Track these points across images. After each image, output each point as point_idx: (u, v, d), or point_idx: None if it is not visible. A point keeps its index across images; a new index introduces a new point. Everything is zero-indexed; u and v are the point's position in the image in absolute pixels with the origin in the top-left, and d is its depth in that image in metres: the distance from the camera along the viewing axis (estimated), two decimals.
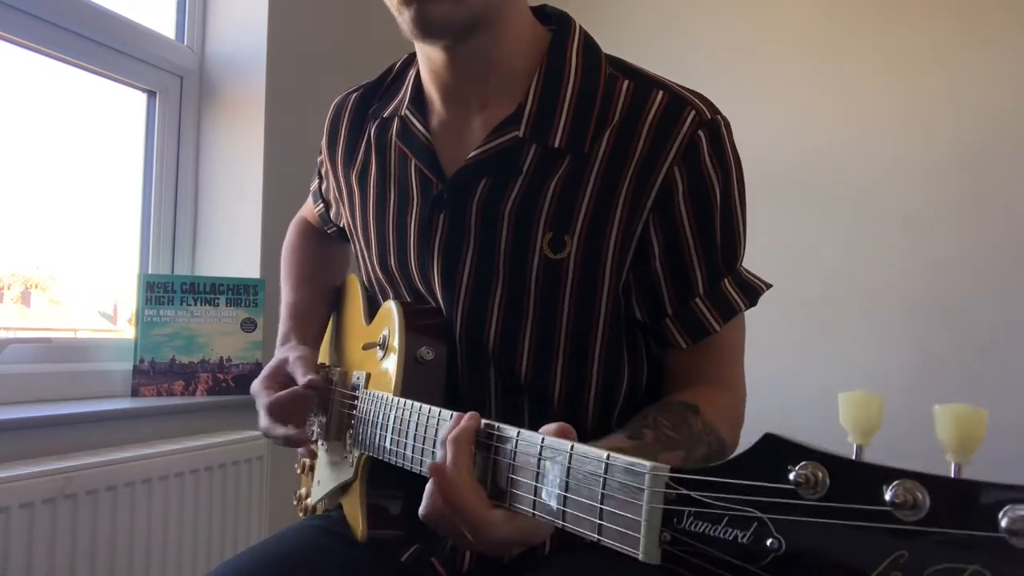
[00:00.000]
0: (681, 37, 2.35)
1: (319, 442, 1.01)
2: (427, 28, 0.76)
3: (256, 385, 0.95)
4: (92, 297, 1.85)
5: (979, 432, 0.37)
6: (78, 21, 1.55)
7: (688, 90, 0.82)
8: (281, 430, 0.90)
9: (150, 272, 1.74)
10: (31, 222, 1.61)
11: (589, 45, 0.85)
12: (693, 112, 0.78)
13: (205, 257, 1.82)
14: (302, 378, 0.90)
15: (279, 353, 0.98)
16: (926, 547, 0.36)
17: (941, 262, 2.03)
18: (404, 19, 0.77)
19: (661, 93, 0.80)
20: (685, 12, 2.36)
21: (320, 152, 1.06)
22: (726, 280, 0.82)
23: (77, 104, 1.70)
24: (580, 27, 0.87)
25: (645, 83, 0.82)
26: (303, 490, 1.10)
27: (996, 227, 1.99)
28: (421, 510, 0.64)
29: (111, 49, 1.63)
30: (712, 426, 0.78)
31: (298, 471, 1.12)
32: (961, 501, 0.36)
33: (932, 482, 0.37)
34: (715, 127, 0.79)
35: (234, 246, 1.79)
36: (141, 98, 1.77)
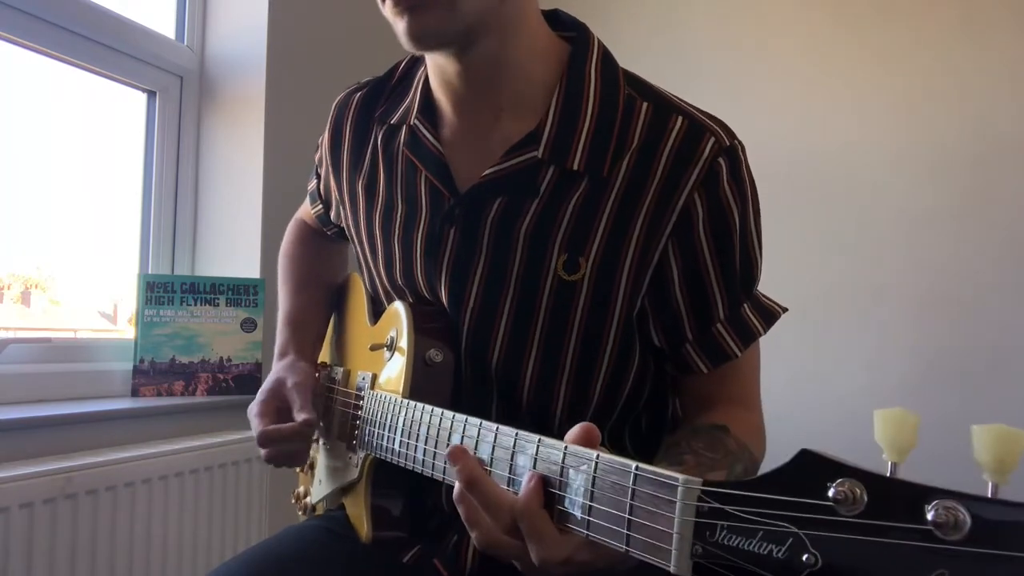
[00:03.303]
0: (683, 37, 2.35)
1: (320, 441, 1.01)
2: (420, 39, 0.75)
3: (252, 409, 0.93)
4: (92, 297, 1.85)
5: (1017, 452, 0.37)
6: (78, 21, 1.55)
7: (705, 114, 0.82)
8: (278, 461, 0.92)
9: (150, 272, 1.74)
10: (31, 222, 1.61)
11: (607, 60, 0.84)
12: (712, 139, 0.79)
13: (205, 257, 1.82)
14: (298, 413, 0.89)
15: (276, 370, 0.97)
16: (967, 566, 0.36)
17: (946, 260, 2.03)
18: (399, 31, 0.76)
19: (680, 119, 0.80)
20: (687, 11, 2.36)
21: (318, 150, 1.04)
22: (745, 305, 0.82)
23: (77, 104, 1.70)
24: (598, 40, 0.85)
25: (663, 107, 0.81)
26: (301, 488, 1.10)
27: (1001, 225, 1.99)
28: (475, 535, 0.61)
29: (111, 49, 1.63)
30: (744, 443, 0.77)
31: (296, 469, 1.12)
32: (1002, 518, 0.36)
33: (973, 503, 0.37)
34: (733, 153, 0.79)
35: (234, 246, 1.79)
36: (141, 98, 1.77)
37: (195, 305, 1.62)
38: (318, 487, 1.00)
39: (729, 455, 0.75)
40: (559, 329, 0.81)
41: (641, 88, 0.83)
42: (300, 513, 1.08)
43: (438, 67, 0.83)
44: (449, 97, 0.85)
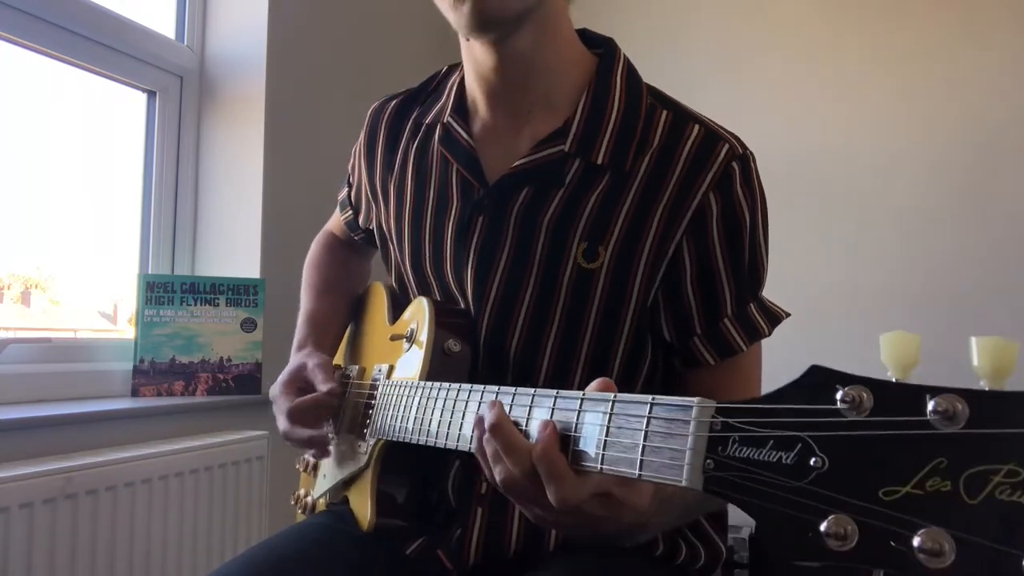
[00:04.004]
0: (685, 37, 2.35)
1: (329, 436, 1.02)
2: (485, 20, 0.78)
3: (275, 389, 0.96)
4: (92, 297, 1.85)
5: (1011, 361, 0.40)
6: (78, 21, 1.55)
7: (720, 126, 0.87)
8: (305, 432, 0.92)
9: (150, 272, 1.74)
10: (31, 222, 1.61)
11: (632, 72, 0.90)
12: (727, 146, 0.84)
13: (205, 257, 1.82)
14: (322, 385, 0.92)
15: (296, 358, 0.99)
16: (964, 452, 0.39)
17: (942, 260, 2.03)
18: (461, 14, 0.78)
19: (697, 127, 0.85)
20: (687, 13, 2.36)
21: (351, 158, 1.08)
22: (752, 304, 0.86)
23: (77, 104, 1.70)
24: (624, 54, 0.91)
25: (682, 116, 0.87)
26: (302, 490, 1.10)
27: (997, 225, 1.99)
28: (498, 476, 0.63)
29: (111, 49, 1.63)
30: None
31: (299, 469, 1.12)
32: (997, 408, 0.38)
33: (971, 394, 0.39)
34: (746, 161, 0.84)
35: (234, 246, 1.79)
36: (141, 98, 1.77)
37: (195, 305, 1.62)
38: (322, 481, 1.00)
39: None
40: (577, 316, 0.85)
41: (662, 99, 0.89)
42: (300, 512, 1.08)
43: (476, 61, 0.87)
44: (484, 91, 0.89)
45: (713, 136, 0.84)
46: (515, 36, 0.82)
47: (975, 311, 1.99)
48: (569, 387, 0.83)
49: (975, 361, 0.40)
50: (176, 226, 1.81)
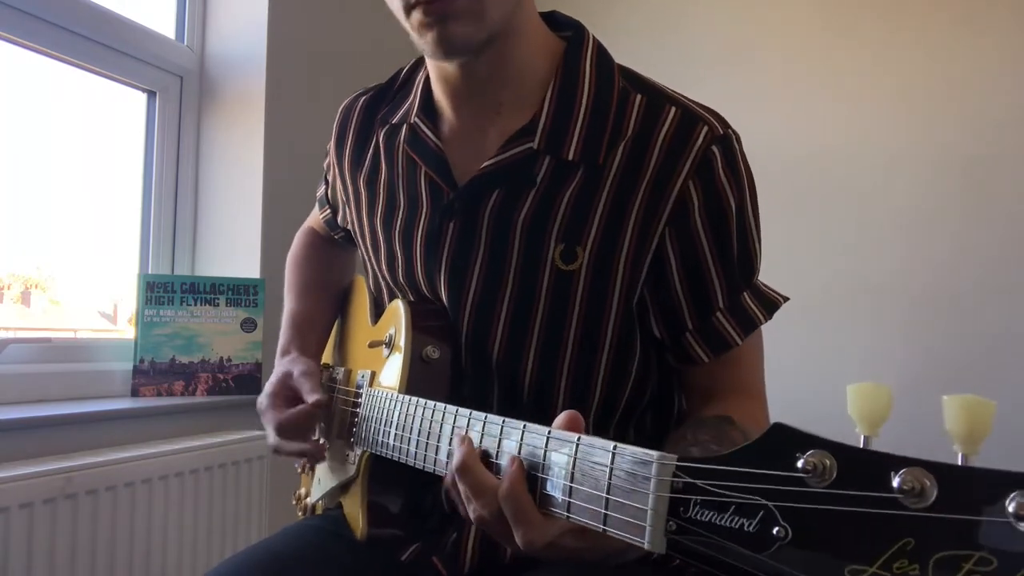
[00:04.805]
0: (681, 37, 2.35)
1: (321, 441, 1.01)
2: (450, 50, 0.76)
3: (262, 401, 0.94)
4: (92, 297, 1.85)
5: (986, 423, 0.37)
6: (78, 21, 1.55)
7: (699, 105, 0.82)
8: (296, 445, 0.91)
9: (150, 272, 1.74)
10: (31, 222, 1.61)
11: (602, 55, 0.85)
12: (706, 128, 0.79)
13: (205, 257, 1.82)
14: (308, 395, 0.90)
15: (280, 366, 0.98)
16: (933, 534, 0.36)
17: (942, 260, 2.03)
18: (426, 41, 0.76)
19: (674, 109, 0.80)
20: (685, 12, 2.36)
21: (327, 156, 1.06)
22: (745, 294, 0.82)
23: (77, 104, 1.70)
24: (593, 36, 0.86)
25: (657, 98, 0.82)
26: (303, 490, 1.10)
27: (997, 225, 1.99)
28: (471, 515, 0.62)
29: (111, 49, 1.63)
30: (749, 434, 0.76)
31: (298, 470, 1.12)
32: (968, 488, 0.36)
33: (939, 469, 0.37)
34: (727, 142, 0.79)
35: (234, 246, 1.79)
36: (141, 98, 1.77)
37: (195, 305, 1.62)
38: (317, 486, 1.00)
39: (734, 447, 0.74)
40: (558, 319, 0.82)
41: (636, 81, 0.84)
42: (300, 514, 1.08)
43: (441, 70, 0.84)
44: (449, 95, 0.86)
45: (691, 118, 0.79)
46: (484, 53, 0.79)
47: (975, 311, 1.99)
48: (555, 393, 0.83)
49: (947, 424, 0.38)
50: (176, 226, 1.81)
